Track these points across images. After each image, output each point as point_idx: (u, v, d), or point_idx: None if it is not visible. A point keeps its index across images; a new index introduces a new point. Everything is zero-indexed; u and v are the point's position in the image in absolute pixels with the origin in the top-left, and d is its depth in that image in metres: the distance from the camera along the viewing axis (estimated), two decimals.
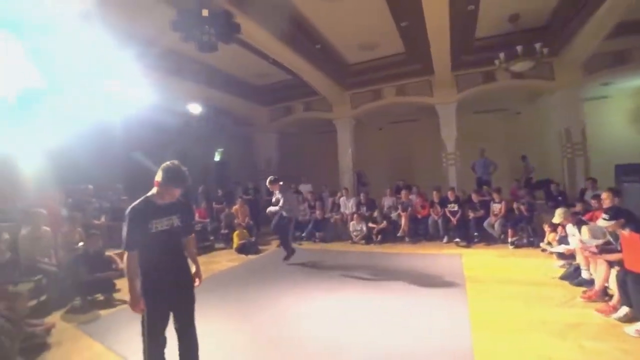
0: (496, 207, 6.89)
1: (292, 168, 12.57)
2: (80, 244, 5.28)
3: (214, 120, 11.86)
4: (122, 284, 4.85)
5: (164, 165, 2.36)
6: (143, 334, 2.35)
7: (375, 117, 11.59)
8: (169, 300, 2.36)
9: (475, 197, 7.33)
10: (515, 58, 6.68)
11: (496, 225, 6.75)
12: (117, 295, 4.75)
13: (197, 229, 8.31)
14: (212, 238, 8.65)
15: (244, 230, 8.03)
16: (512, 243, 6.43)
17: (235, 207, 9.04)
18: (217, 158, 15.21)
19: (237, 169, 13.74)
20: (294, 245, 7.71)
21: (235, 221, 8.63)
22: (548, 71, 8.25)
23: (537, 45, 6.50)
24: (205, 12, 5.10)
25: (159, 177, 2.34)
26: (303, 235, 8.62)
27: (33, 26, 4.68)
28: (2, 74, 4.84)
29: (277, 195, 6.19)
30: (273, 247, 8.00)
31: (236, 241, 7.71)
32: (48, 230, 5.13)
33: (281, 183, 6.27)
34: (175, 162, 2.38)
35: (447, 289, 4.43)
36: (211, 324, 3.61)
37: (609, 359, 2.68)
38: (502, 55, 6.85)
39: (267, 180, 6.29)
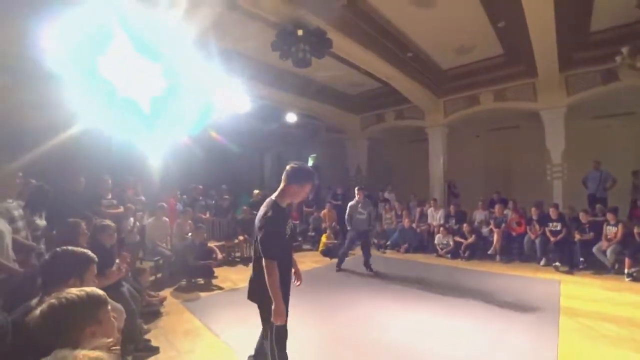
0: (610, 231, 5.94)
1: (382, 176, 12.61)
2: (189, 234, 6.24)
3: (308, 127, 12.63)
4: (219, 271, 6.09)
5: (292, 167, 2.40)
6: (273, 344, 2.31)
7: (471, 124, 10.87)
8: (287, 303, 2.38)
9: (584, 217, 6.39)
10: None
11: (609, 252, 5.80)
12: (215, 281, 5.69)
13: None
14: (300, 239, 9.26)
15: (330, 234, 8.42)
16: (630, 275, 5.44)
17: (324, 211, 9.49)
18: (310, 163, 16.09)
19: (329, 174, 14.32)
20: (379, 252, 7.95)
21: (323, 225, 9.08)
22: None
23: None
24: (300, 32, 5.60)
25: (291, 179, 2.36)
26: (388, 243, 8.64)
27: (159, 47, 5.67)
28: (139, 87, 5.96)
29: (359, 206, 6.43)
30: (357, 252, 8.19)
31: (322, 244, 8.13)
32: (167, 221, 6.30)
33: (366, 193, 6.56)
34: (297, 162, 2.45)
35: (536, 319, 4.04)
36: (292, 320, 4.00)
37: None
38: (625, 49, 5.84)
39: (356, 189, 6.63)
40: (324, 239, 8.24)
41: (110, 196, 5.41)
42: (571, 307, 4.39)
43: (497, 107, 9.10)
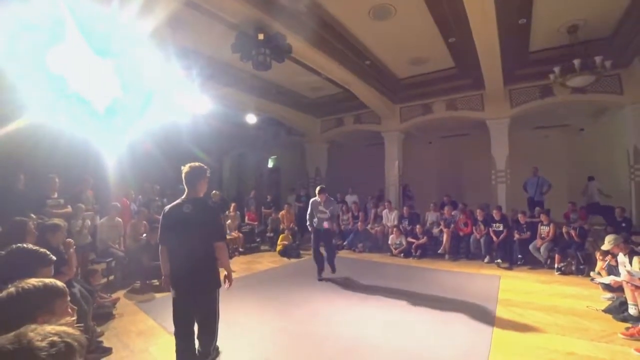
0: (544, 230, 6.53)
1: (340, 178, 12.87)
2: (144, 235, 6.05)
3: (268, 129, 12.63)
4: None
5: (190, 167, 2.76)
6: (218, 316, 2.83)
7: (424, 130, 11.48)
8: None
9: (522, 218, 6.98)
10: (572, 72, 6.31)
11: (542, 249, 6.39)
12: None
13: (245, 230, 8.99)
14: (258, 240, 9.25)
15: (289, 235, 8.48)
16: (559, 269, 6.04)
17: (282, 212, 9.54)
18: (270, 165, 16.06)
19: (289, 176, 14.39)
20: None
21: (281, 226, 9.13)
22: (615, 85, 7.58)
23: (598, 59, 6.08)
24: (261, 36, 5.66)
25: (199, 177, 2.76)
26: (344, 243, 8.85)
27: (114, 46, 5.50)
28: (91, 84, 5.73)
29: (321, 206, 5.79)
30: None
31: (279, 245, 8.18)
32: (120, 221, 6.06)
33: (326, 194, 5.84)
34: (190, 164, 2.79)
35: (476, 309, 4.37)
36: (245, 316, 4.12)
37: None
38: (556, 69, 6.50)
39: (317, 189, 5.89)
40: (281, 239, 8.29)
41: (56, 195, 5.15)
42: (507, 299, 4.79)
43: (448, 116, 9.68)
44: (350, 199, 10.76)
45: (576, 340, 3.54)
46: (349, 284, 5.56)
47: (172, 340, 3.37)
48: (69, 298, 1.39)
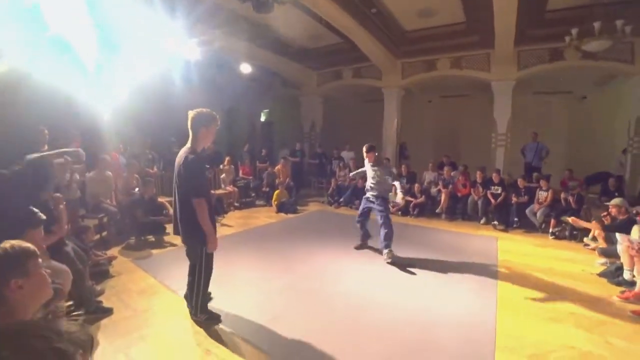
0: (542, 195, 6.64)
1: (336, 134, 12.67)
2: (137, 189, 5.82)
3: (262, 81, 12.08)
4: (171, 228, 5.44)
5: (194, 113, 2.60)
6: (202, 274, 2.76)
7: (425, 89, 11.20)
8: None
9: (521, 183, 7.07)
10: (590, 36, 6.05)
11: (539, 214, 6.53)
12: (166, 238, 5.34)
13: (240, 184, 8.84)
14: (253, 195, 9.15)
15: (284, 190, 8.39)
16: (553, 234, 6.23)
17: (278, 166, 9.38)
18: (263, 118, 15.59)
19: (282, 130, 14.04)
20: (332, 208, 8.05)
21: (277, 181, 9.00)
22: (627, 53, 7.36)
23: (619, 23, 5.81)
24: None
25: (198, 124, 2.61)
26: (341, 200, 8.86)
27: None
28: (81, 42, 5.25)
29: (370, 168, 5.00)
30: (311, 209, 8.34)
31: (276, 200, 8.10)
32: (110, 175, 5.73)
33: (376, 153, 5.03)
34: (197, 109, 2.64)
35: (479, 269, 4.49)
36: (248, 272, 4.09)
37: (635, 358, 2.70)
38: (574, 31, 6.22)
39: (365, 148, 5.01)
40: (275, 196, 8.18)
41: (46, 148, 4.79)
42: (507, 260, 4.95)
43: (452, 74, 9.40)
44: (347, 155, 10.66)
45: (574, 300, 3.70)
46: (349, 241, 5.50)
47: (175, 298, 3.37)
48: (39, 260, 1.33)
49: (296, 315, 3.19)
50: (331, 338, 2.80)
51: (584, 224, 4.47)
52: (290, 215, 7.63)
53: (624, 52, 7.34)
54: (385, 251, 4.68)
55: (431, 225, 7.06)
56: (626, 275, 4.13)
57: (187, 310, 3.06)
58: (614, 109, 9.06)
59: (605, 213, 5.13)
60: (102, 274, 3.93)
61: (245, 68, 9.98)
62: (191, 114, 2.61)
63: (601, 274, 4.43)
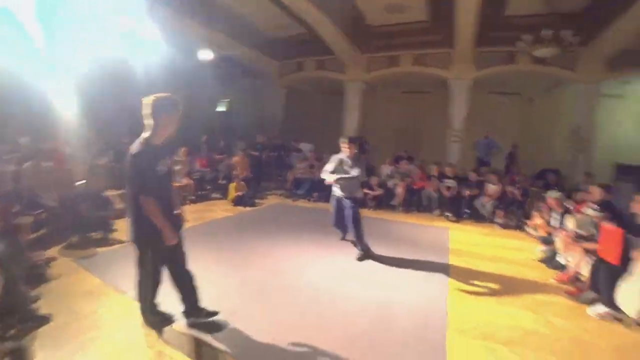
0: (491, 189, 7.02)
1: (297, 126, 12.56)
2: (83, 181, 5.33)
3: (223, 69, 11.67)
4: (120, 224, 4.95)
5: (152, 98, 2.32)
6: (145, 272, 2.54)
7: (387, 84, 11.42)
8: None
9: (473, 177, 7.44)
10: (541, 42, 6.47)
11: (488, 205, 6.91)
12: (114, 235, 4.85)
13: (196, 177, 8.48)
14: (209, 187, 8.81)
15: (242, 183, 8.16)
16: (500, 224, 6.63)
17: (236, 158, 9.12)
18: (222, 108, 15.10)
19: (242, 120, 13.68)
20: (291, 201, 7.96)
21: (234, 173, 8.74)
22: (571, 61, 8.05)
23: (567, 33, 6.27)
24: None
25: (158, 111, 2.32)
26: (300, 192, 8.81)
27: None
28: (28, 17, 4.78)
29: (347, 162, 4.51)
30: (270, 202, 8.21)
31: (232, 193, 7.85)
32: (50, 166, 5.20)
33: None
34: (155, 94, 2.36)
35: (432, 258, 4.65)
36: (205, 267, 3.85)
37: (567, 334, 2.92)
38: (527, 37, 6.63)
39: (344, 140, 4.58)
40: (232, 189, 7.93)
41: None
42: (458, 249, 5.17)
43: (415, 71, 9.67)
44: (305, 147, 10.59)
45: (518, 284, 3.96)
46: (307, 234, 5.47)
47: (124, 300, 3.10)
48: None
49: (254, 310, 3.07)
50: (291, 331, 2.74)
51: (588, 245, 4.41)
52: (248, 209, 7.43)
53: (569, 60, 7.96)
54: (359, 253, 4.58)
55: (388, 217, 7.21)
56: (561, 259, 4.46)
57: (138, 312, 2.79)
58: (558, 112, 9.79)
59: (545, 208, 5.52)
60: (39, 277, 3.46)
61: (206, 54, 9.59)
62: (147, 100, 2.30)
63: (541, 260, 4.77)
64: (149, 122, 2.34)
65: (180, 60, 9.91)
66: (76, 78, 6.78)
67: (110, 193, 5.52)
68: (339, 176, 4.47)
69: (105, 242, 4.70)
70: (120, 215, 5.28)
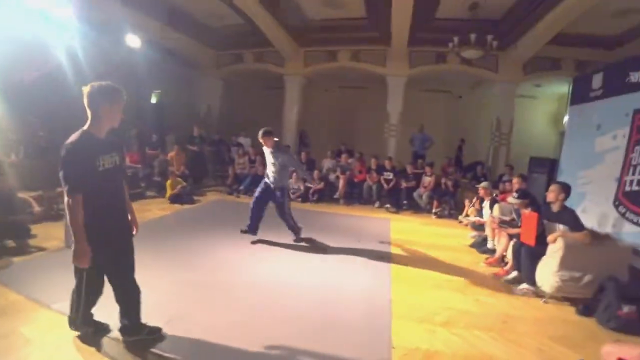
0: (427, 180, 7.47)
1: (234, 119, 12.19)
2: None
3: (154, 58, 10.85)
4: (38, 229, 4.50)
5: (93, 87, 2.05)
6: (82, 291, 2.24)
7: (325, 78, 11.52)
8: (114, 248, 2.22)
9: (410, 169, 7.86)
10: (467, 45, 7.00)
11: (424, 196, 7.35)
12: (32, 242, 4.27)
13: (128, 174, 7.81)
14: (143, 185, 8.20)
15: (178, 179, 7.71)
16: (435, 213, 7.09)
17: (171, 153, 8.60)
18: (153, 100, 14.09)
19: (175, 113, 12.90)
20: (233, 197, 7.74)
21: (170, 169, 8.24)
22: (493, 63, 8.90)
23: (489, 37, 6.86)
24: None
25: (99, 100, 2.06)
26: (241, 188, 8.57)
27: None
28: None
29: (269, 154, 4.65)
30: (209, 198, 7.88)
31: (169, 190, 7.40)
32: None
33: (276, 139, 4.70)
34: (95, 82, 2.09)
35: (374, 248, 4.80)
36: (141, 270, 3.51)
37: (496, 310, 3.21)
38: (456, 39, 7.12)
39: (260, 133, 4.60)
40: (168, 186, 7.45)
41: None
42: (398, 238, 5.42)
43: (352, 67, 9.89)
44: (245, 141, 10.32)
45: (453, 268, 4.27)
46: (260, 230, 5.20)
47: (49, 314, 2.69)
48: None
49: (198, 312, 2.88)
50: (238, 330, 2.63)
51: (511, 230, 4.66)
52: (187, 206, 7.03)
53: (491, 62, 8.81)
54: (295, 237, 4.76)
55: (330, 210, 7.33)
56: (489, 244, 4.89)
57: (66, 325, 2.45)
58: (482, 108, 10.70)
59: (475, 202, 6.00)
60: None
61: (133, 40, 8.81)
62: (87, 89, 2.05)
63: (472, 245, 5.19)
64: (90, 112, 2.09)
65: (106, 47, 9.02)
66: None
67: (25, 195, 4.88)
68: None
69: (21, 250, 4.07)
70: (38, 219, 4.76)
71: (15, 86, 6.98)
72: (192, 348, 2.39)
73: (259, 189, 4.84)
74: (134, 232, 2.46)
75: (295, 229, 4.85)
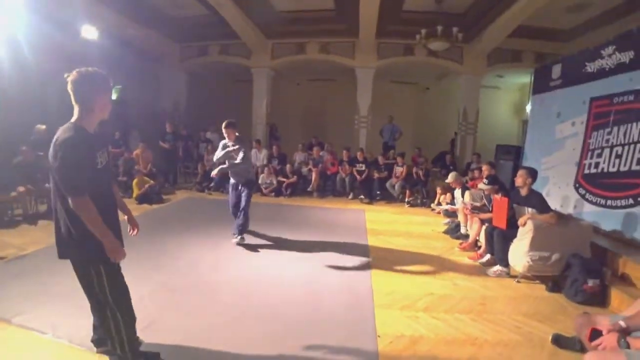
0: (398, 170, 7.60)
1: (202, 115, 11.83)
2: None
3: (112, 50, 10.27)
4: None
5: (81, 75, 1.78)
6: (113, 302, 1.91)
7: (294, 71, 11.40)
8: None
9: (381, 160, 7.97)
10: (434, 37, 7.13)
11: (396, 186, 7.48)
12: None
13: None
14: None
15: (145, 178, 7.38)
16: (408, 202, 7.25)
17: (136, 151, 8.22)
18: (113, 96, 13.39)
19: (138, 110, 12.33)
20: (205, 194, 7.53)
21: (136, 167, 7.87)
22: (458, 55, 9.17)
23: (454, 30, 7.01)
24: None
25: (87, 90, 1.80)
26: (211, 185, 8.34)
27: None
28: None
29: (230, 146, 4.42)
30: (179, 197, 7.61)
31: (136, 190, 7.06)
32: None
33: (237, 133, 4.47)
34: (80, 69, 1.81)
35: (351, 240, 4.84)
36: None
37: (473, 293, 3.32)
38: (423, 31, 7.23)
39: (223, 124, 4.39)
40: (134, 185, 7.12)
41: None
42: (374, 229, 5.48)
43: (320, 59, 9.83)
44: (214, 136, 10.04)
45: (429, 255, 4.37)
46: (223, 228, 5.06)
47: (9, 328, 2.44)
48: None
49: (174, 316, 2.75)
50: (218, 332, 2.54)
51: (483, 215, 4.46)
52: (155, 206, 6.75)
53: (457, 54, 9.07)
54: (237, 237, 4.46)
55: (305, 203, 7.30)
56: (462, 230, 5.07)
57: (28, 340, 2.27)
58: (448, 99, 11.02)
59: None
60: None
61: (89, 32, 8.27)
62: (73, 77, 1.77)
63: (445, 232, 5.34)
64: (79, 105, 1.82)
65: (60, 38, 8.41)
66: None
67: None
68: (220, 167, 4.45)
69: None
70: None
71: None
72: (172, 354, 2.25)
73: (230, 195, 4.64)
74: (135, 232, 2.27)
75: (243, 230, 4.54)
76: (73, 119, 1.83)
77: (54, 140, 1.75)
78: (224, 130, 4.41)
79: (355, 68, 9.61)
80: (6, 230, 4.76)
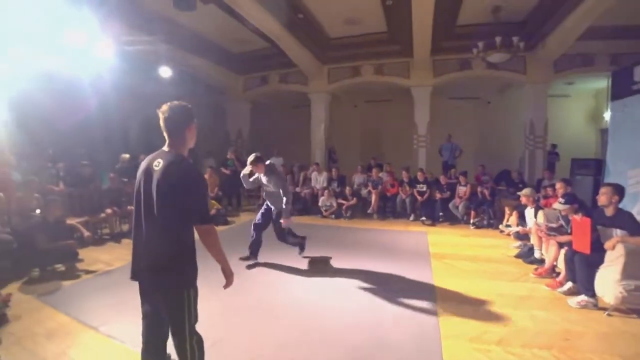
0: (461, 190, 7.24)
1: (264, 140, 12.43)
2: (37, 211, 4.89)
3: (184, 86, 11.33)
4: (84, 253, 4.76)
5: (174, 108, 1.88)
6: (189, 324, 1.94)
7: (350, 94, 11.62)
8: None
9: (443, 180, 7.66)
10: (492, 49, 6.85)
11: (460, 207, 7.11)
12: (80, 265, 4.51)
13: None
14: None
15: (213, 202, 7.90)
16: (474, 224, 6.83)
17: (205, 175, 8.82)
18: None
19: (207, 138, 13.30)
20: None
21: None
22: (521, 65, 8.64)
23: (515, 39, 6.69)
24: None
25: (185, 121, 1.90)
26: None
27: None
28: None
29: (263, 179, 4.45)
30: (243, 219, 7.98)
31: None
32: (1, 196, 4.67)
33: (267, 162, 4.49)
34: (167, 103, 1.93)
35: (414, 263, 4.66)
36: None
37: (554, 326, 2.99)
38: (480, 44, 7.00)
39: (249, 160, 4.33)
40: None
41: None
42: (438, 252, 5.23)
43: (375, 80, 9.91)
44: (276, 161, 10.46)
45: (499, 282, 4.05)
46: (284, 248, 5.02)
47: (96, 337, 2.78)
48: None
49: (241, 334, 2.87)
50: (282, 352, 2.60)
51: (561, 238, 4.09)
52: (221, 228, 7.16)
53: (519, 64, 8.55)
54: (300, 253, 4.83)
55: (365, 225, 7.21)
56: (536, 254, 4.63)
57: (113, 349, 2.51)
58: (513, 112, 10.37)
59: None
60: None
61: (165, 72, 9.29)
62: (167, 110, 1.87)
63: (517, 256, 4.93)
64: (173, 136, 1.92)
65: (139, 78, 9.52)
66: (22, 98, 6.29)
67: (73, 221, 5.17)
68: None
69: (70, 274, 4.29)
70: (86, 244, 5.05)
71: (61, 121, 7.49)
72: None
73: (259, 215, 4.75)
74: None
75: (299, 243, 4.91)
76: (170, 149, 1.90)
77: (169, 166, 1.80)
78: (251, 167, 4.35)
79: (411, 87, 9.52)
80: (96, 248, 5.42)
